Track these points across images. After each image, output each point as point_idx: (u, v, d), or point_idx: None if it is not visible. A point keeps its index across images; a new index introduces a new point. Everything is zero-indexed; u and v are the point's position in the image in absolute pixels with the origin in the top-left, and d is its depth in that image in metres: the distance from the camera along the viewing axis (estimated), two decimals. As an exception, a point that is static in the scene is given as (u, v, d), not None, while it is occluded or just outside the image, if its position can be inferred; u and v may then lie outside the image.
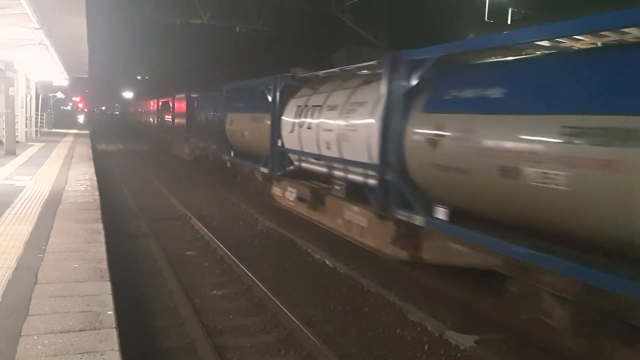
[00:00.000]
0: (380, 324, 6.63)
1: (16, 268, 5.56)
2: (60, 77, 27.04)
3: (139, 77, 63.94)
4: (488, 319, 6.58)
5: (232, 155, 15.61)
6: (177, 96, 26.01)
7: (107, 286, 5.20)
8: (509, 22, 20.57)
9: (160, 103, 32.13)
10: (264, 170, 12.40)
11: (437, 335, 6.24)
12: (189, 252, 9.74)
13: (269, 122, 12.07)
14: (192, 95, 23.46)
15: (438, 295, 7.45)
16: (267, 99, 12.19)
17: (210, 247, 9.99)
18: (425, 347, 5.98)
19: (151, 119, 36.30)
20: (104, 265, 5.86)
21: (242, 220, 12.73)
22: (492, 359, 5.63)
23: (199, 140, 21.13)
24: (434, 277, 7.96)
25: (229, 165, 16.28)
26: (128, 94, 62.73)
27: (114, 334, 4.13)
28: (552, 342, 5.67)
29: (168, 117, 28.62)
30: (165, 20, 25.57)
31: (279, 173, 11.84)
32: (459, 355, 5.81)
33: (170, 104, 27.59)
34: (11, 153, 17.13)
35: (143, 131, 40.06)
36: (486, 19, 20.61)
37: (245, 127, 14.31)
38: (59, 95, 43.86)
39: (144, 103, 41.96)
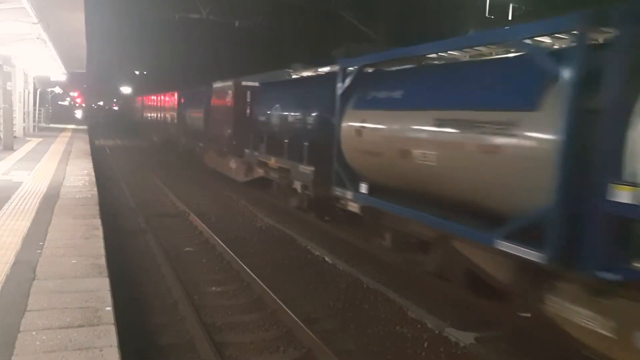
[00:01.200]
0: (380, 321, 6.61)
1: (14, 264, 5.52)
2: (58, 72, 26.94)
3: (137, 72, 63.85)
4: (488, 317, 6.57)
5: (364, 192, 8.44)
6: (216, 86, 18.66)
7: (105, 282, 5.17)
8: (510, 18, 20.57)
9: (182, 97, 25.10)
10: (531, 255, 5.11)
11: (436, 332, 6.23)
12: (187, 249, 9.71)
13: (530, 135, 5.24)
14: (246, 84, 16.24)
15: (438, 292, 7.43)
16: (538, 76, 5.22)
17: (209, 244, 9.96)
18: (425, 344, 5.97)
19: (168, 117, 28.72)
20: (102, 261, 5.83)
21: (241, 217, 12.70)
22: (491, 356, 5.63)
23: (264, 154, 13.77)
24: (434, 274, 7.95)
25: (355, 209, 9.09)
26: (131, 88, 62.40)
27: (112, 330, 4.10)
28: (551, 340, 5.66)
29: (197, 116, 21.24)
30: (164, 15, 25.50)
31: (619, 279, 4.51)
32: (458, 352, 5.81)
33: (203, 98, 20.21)
34: (9, 148, 17.07)
35: (154, 133, 32.93)
36: (487, 15, 20.60)
37: (416, 141, 6.94)
38: (57, 90, 43.72)
39: (156, 98, 33.56)
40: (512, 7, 20.83)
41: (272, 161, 13.15)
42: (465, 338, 5.95)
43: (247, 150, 15.07)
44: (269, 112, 13.66)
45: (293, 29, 28.42)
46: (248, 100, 15.97)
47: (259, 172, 14.39)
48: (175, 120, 26.23)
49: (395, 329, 6.41)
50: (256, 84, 15.86)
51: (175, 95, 26.52)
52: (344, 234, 10.46)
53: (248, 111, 15.91)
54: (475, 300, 6.94)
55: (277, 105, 13.25)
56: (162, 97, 30.81)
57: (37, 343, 3.82)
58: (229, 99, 16.77)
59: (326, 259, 9.17)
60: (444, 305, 6.98)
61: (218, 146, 18.16)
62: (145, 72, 62.37)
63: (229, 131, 16.58)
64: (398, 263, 8.59)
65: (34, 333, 3.97)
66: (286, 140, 12.19)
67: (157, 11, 24.98)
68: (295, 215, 12.35)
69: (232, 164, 16.87)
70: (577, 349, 5.21)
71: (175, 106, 26.30)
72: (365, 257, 9.17)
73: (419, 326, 6.44)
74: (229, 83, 16.92)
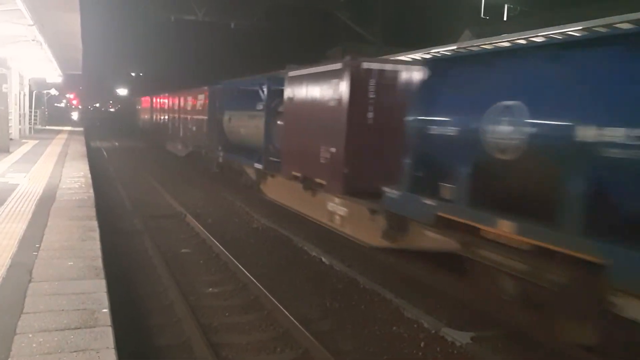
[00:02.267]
0: (377, 321, 6.63)
1: (10, 266, 5.51)
2: (54, 74, 26.84)
3: (133, 74, 63.73)
4: (484, 316, 6.59)
5: None
6: (293, 74, 11.13)
7: (102, 284, 5.17)
8: (504, 19, 20.63)
9: (217, 95, 18.40)
10: None
11: (433, 332, 6.25)
12: (184, 250, 9.70)
13: None
14: (369, 67, 8.92)
15: (434, 292, 7.46)
16: None
17: (206, 245, 9.96)
18: (422, 344, 5.99)
19: (192, 122, 21.77)
20: (99, 263, 5.83)
21: (237, 218, 12.70)
22: (488, 355, 5.65)
23: (462, 209, 6.14)
24: (430, 274, 7.97)
25: None
26: (127, 89, 62.27)
27: (109, 332, 4.10)
28: (548, 338, 5.69)
29: (248, 123, 14.55)
30: (159, 17, 25.48)
31: None
32: (455, 352, 5.82)
33: (260, 95, 13.58)
34: (4, 150, 17.01)
35: (170, 142, 26.27)
36: (482, 16, 20.66)
37: None
38: (53, 92, 43.59)
39: (170, 100, 26.69)
40: (507, 7, 20.91)
41: (505, 228, 5.56)
42: (461, 337, 5.96)
43: (388, 191, 7.47)
44: (474, 117, 6.03)
45: (289, 30, 28.43)
46: (371, 95, 8.93)
47: (439, 241, 6.88)
48: (205, 128, 19.30)
49: (392, 329, 6.42)
50: (400, 66, 9.08)
51: (205, 93, 19.70)
52: (339, 236, 10.46)
53: (371, 115, 8.93)
54: (471, 300, 6.96)
55: (514, 103, 5.56)
56: (183, 97, 23.51)
57: (34, 345, 3.82)
58: (332, 96, 9.43)
59: (323, 259, 9.18)
60: (440, 305, 7.00)
61: (302, 173, 10.71)
62: (141, 74, 62.27)
63: (333, 150, 9.34)
64: (394, 263, 8.61)
65: (30, 335, 3.96)
66: (572, 190, 4.90)
67: (152, 13, 24.95)
68: (292, 216, 12.34)
69: (339, 208, 9.51)
70: (575, 348, 5.24)
71: (205, 107, 19.53)
72: (362, 257, 9.18)
73: (415, 326, 6.45)
74: (337, 66, 9.36)
